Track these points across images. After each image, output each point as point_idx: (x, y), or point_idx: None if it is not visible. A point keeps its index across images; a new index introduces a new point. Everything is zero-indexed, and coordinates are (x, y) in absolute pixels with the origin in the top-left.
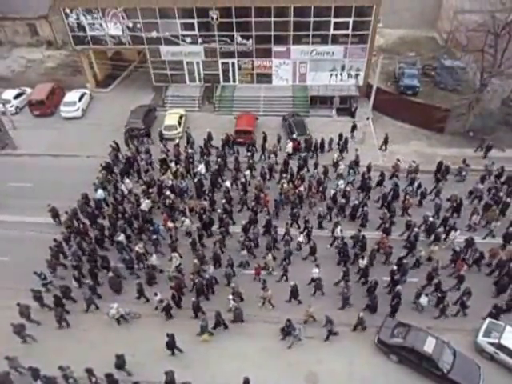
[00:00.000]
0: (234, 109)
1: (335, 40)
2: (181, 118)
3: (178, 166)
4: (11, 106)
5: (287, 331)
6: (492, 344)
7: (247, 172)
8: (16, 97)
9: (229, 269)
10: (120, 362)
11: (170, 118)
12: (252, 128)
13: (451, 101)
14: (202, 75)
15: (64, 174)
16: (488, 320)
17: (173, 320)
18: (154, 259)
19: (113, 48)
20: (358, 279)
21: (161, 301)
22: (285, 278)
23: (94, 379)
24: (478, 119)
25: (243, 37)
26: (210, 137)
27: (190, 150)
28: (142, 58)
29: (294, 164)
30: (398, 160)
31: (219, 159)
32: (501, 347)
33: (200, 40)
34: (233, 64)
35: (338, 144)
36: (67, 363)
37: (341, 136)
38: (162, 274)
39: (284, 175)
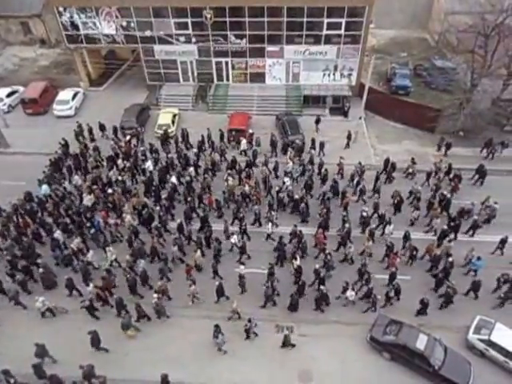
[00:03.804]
0: (228, 108)
1: (328, 40)
2: (174, 116)
3: (126, 163)
4: (3, 105)
5: (214, 336)
6: (482, 341)
7: (191, 169)
8: (8, 95)
9: (162, 264)
10: (40, 351)
11: (164, 116)
12: (245, 127)
13: (442, 101)
14: (195, 74)
15: None
16: (478, 317)
17: (102, 314)
18: (90, 256)
19: (106, 47)
20: (295, 280)
21: (82, 301)
22: (214, 275)
23: (12, 380)
24: (469, 119)
25: (237, 36)
26: (166, 133)
27: (141, 148)
28: (136, 57)
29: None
30: (342, 158)
31: (168, 155)
32: (491, 344)
33: (194, 39)
34: (226, 63)
35: (314, 148)
36: None
37: (313, 140)
38: (98, 271)
39: (229, 172)
